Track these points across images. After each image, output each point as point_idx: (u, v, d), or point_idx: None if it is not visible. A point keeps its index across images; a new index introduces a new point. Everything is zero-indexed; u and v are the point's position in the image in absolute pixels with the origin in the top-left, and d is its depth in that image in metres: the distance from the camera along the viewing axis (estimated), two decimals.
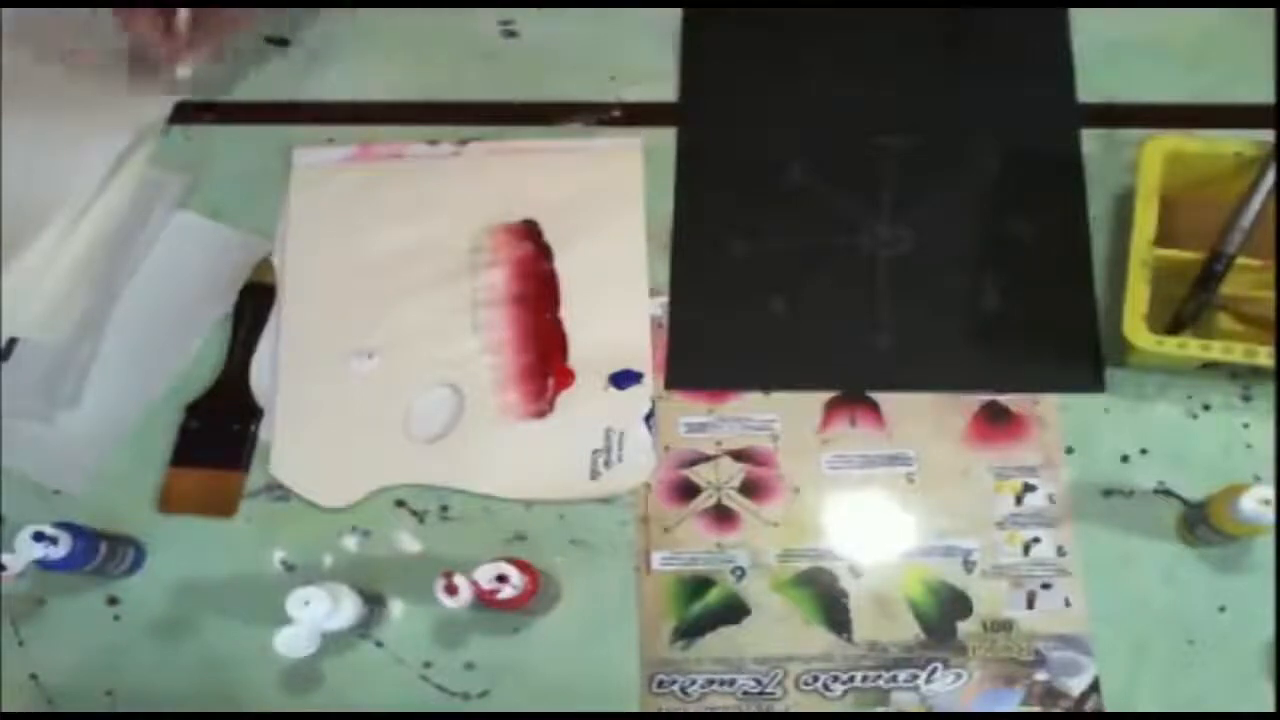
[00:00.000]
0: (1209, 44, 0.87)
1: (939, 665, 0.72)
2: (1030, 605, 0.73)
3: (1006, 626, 0.73)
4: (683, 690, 0.73)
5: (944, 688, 0.72)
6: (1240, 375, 0.77)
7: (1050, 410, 0.77)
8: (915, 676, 0.72)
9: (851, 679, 0.72)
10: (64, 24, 0.90)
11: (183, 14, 0.83)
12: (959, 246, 0.82)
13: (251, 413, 0.80)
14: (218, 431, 0.79)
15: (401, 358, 0.81)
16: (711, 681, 0.73)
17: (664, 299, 0.82)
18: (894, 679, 0.72)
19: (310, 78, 0.90)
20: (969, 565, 0.74)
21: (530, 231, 0.84)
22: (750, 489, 0.77)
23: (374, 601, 0.74)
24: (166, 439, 0.79)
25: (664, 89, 0.88)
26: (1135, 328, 0.72)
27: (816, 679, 0.73)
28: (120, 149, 0.85)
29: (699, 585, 0.75)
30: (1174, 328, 0.75)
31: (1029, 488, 0.76)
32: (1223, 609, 0.72)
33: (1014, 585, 0.74)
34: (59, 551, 0.69)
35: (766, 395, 0.79)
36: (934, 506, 0.76)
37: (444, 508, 0.77)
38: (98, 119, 0.86)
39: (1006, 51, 0.88)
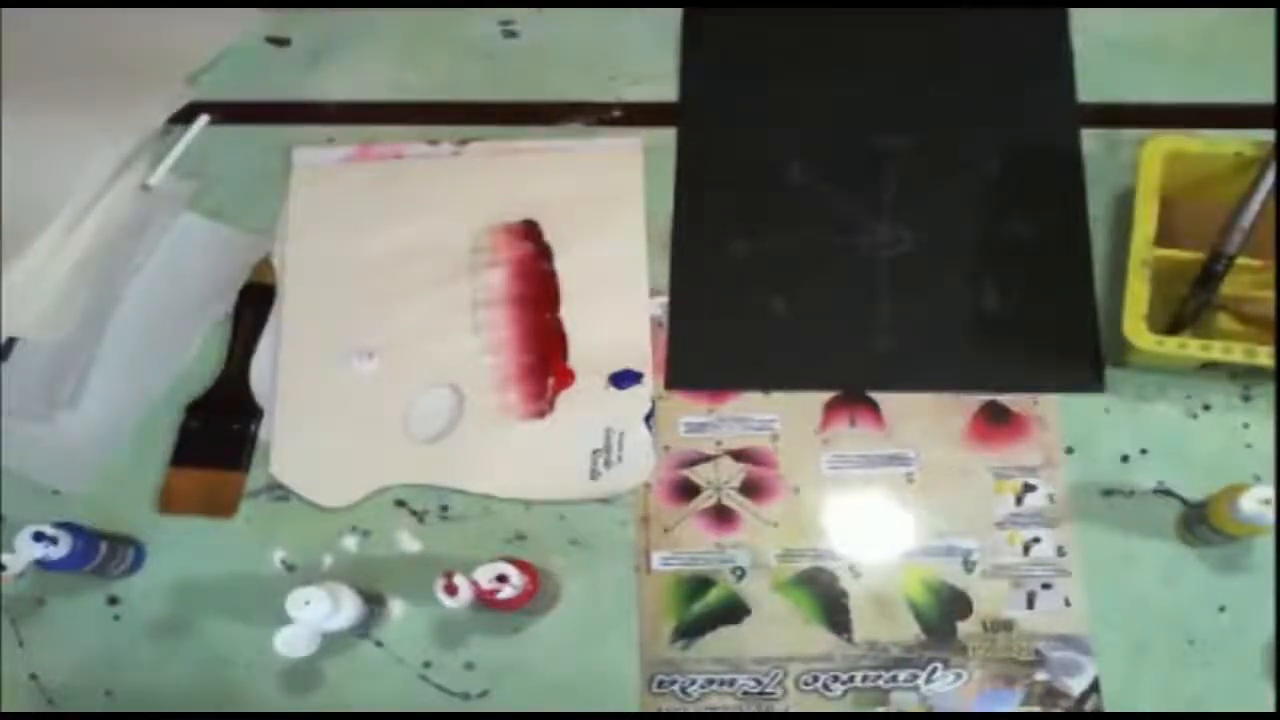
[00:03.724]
0: (1209, 44, 0.87)
1: (939, 665, 0.72)
2: (1030, 605, 0.73)
3: (1006, 626, 0.73)
4: (683, 690, 0.73)
5: (944, 688, 0.72)
6: (1240, 375, 0.77)
7: (1050, 410, 0.77)
8: (915, 676, 0.72)
9: (851, 679, 0.72)
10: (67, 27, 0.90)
11: None
12: (959, 246, 0.82)
13: (251, 413, 0.80)
14: (218, 431, 0.79)
15: (401, 358, 0.81)
16: (711, 681, 0.73)
17: (664, 299, 0.82)
18: (894, 679, 0.72)
19: (310, 78, 0.90)
20: (969, 565, 0.74)
21: (530, 231, 0.84)
22: (750, 489, 0.77)
23: (374, 601, 0.74)
24: (166, 439, 0.79)
25: (664, 89, 0.88)
26: (1135, 328, 0.71)
27: (816, 679, 0.73)
28: (124, 152, 0.85)
29: (699, 585, 0.75)
30: (1174, 328, 0.75)
31: (1029, 488, 0.76)
32: (1223, 609, 0.72)
33: (1014, 585, 0.74)
34: (59, 551, 0.69)
35: (766, 395, 0.79)
36: (934, 506, 0.76)
37: (444, 508, 0.77)
38: (101, 121, 0.85)
39: (1006, 51, 0.88)
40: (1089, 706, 0.71)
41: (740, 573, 0.75)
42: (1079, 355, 0.78)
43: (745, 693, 0.73)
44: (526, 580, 0.68)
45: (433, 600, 0.67)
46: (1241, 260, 0.74)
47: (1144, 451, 0.76)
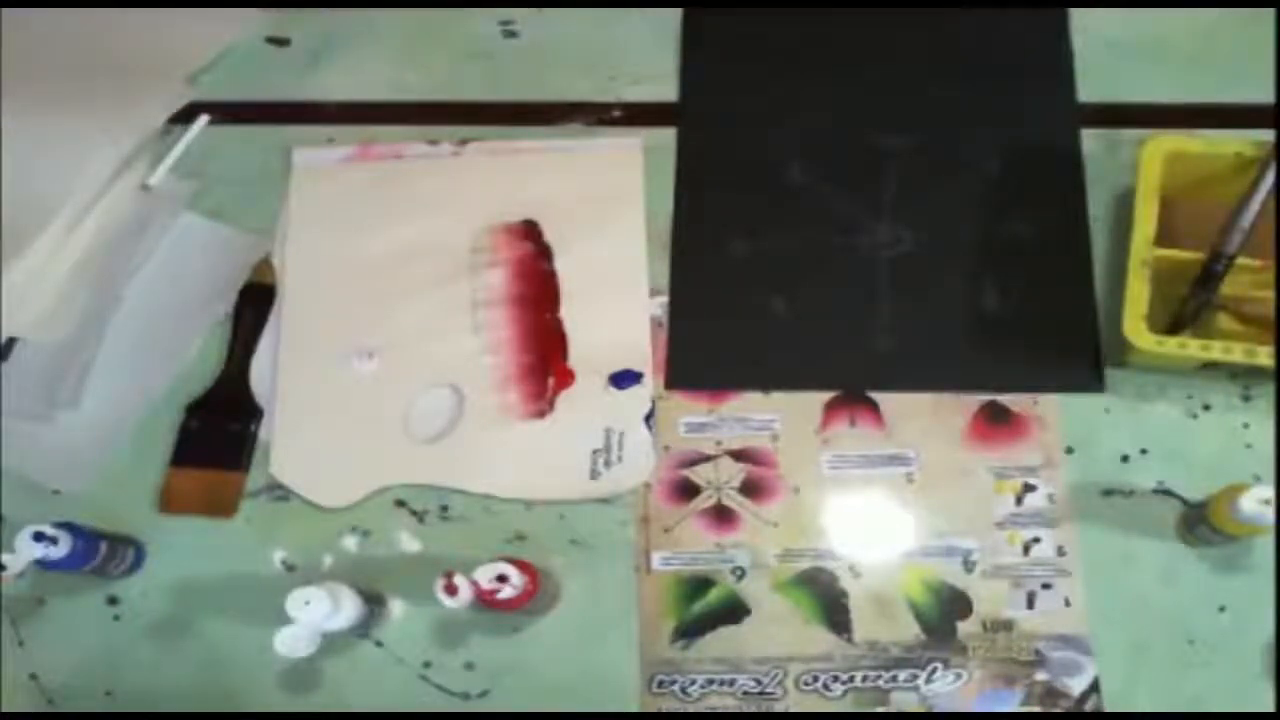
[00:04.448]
0: (1209, 44, 0.87)
1: (939, 665, 0.72)
2: (1030, 605, 0.73)
3: (1006, 626, 0.73)
4: (683, 690, 0.73)
5: (944, 688, 0.72)
6: (1240, 375, 0.77)
7: (1050, 410, 0.77)
8: (915, 676, 0.72)
9: (851, 679, 0.72)
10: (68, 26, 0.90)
11: None
12: (959, 246, 0.82)
13: (251, 413, 0.80)
14: (218, 431, 0.79)
15: (401, 358, 0.81)
16: (711, 681, 0.73)
17: (664, 299, 0.82)
18: (894, 679, 0.72)
19: (310, 78, 0.90)
20: (969, 565, 0.74)
21: (530, 231, 0.84)
22: (750, 489, 0.77)
23: (374, 601, 0.74)
24: (166, 439, 0.79)
25: (664, 89, 0.88)
26: (1135, 328, 0.71)
27: (816, 679, 0.73)
28: (124, 152, 0.85)
29: (699, 585, 0.75)
30: (1174, 328, 0.75)
31: (1029, 488, 0.76)
32: (1223, 609, 0.72)
33: (1014, 585, 0.74)
34: (59, 551, 0.69)
35: (766, 395, 0.79)
36: (934, 506, 0.76)
37: (444, 508, 0.77)
38: (101, 120, 0.86)
39: (1006, 51, 0.88)
40: (1089, 706, 0.71)
41: (740, 573, 0.75)
42: (1079, 355, 0.78)
43: (745, 693, 0.73)
44: (526, 580, 0.68)
45: (433, 600, 0.67)
46: (1241, 260, 0.74)
47: (1144, 451, 0.76)
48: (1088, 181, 0.83)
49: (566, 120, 0.88)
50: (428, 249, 0.84)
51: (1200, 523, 0.71)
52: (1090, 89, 0.86)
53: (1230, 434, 0.76)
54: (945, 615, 0.73)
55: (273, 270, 0.84)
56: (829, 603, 0.74)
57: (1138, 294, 0.72)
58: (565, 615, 0.75)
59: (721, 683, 0.73)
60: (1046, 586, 0.74)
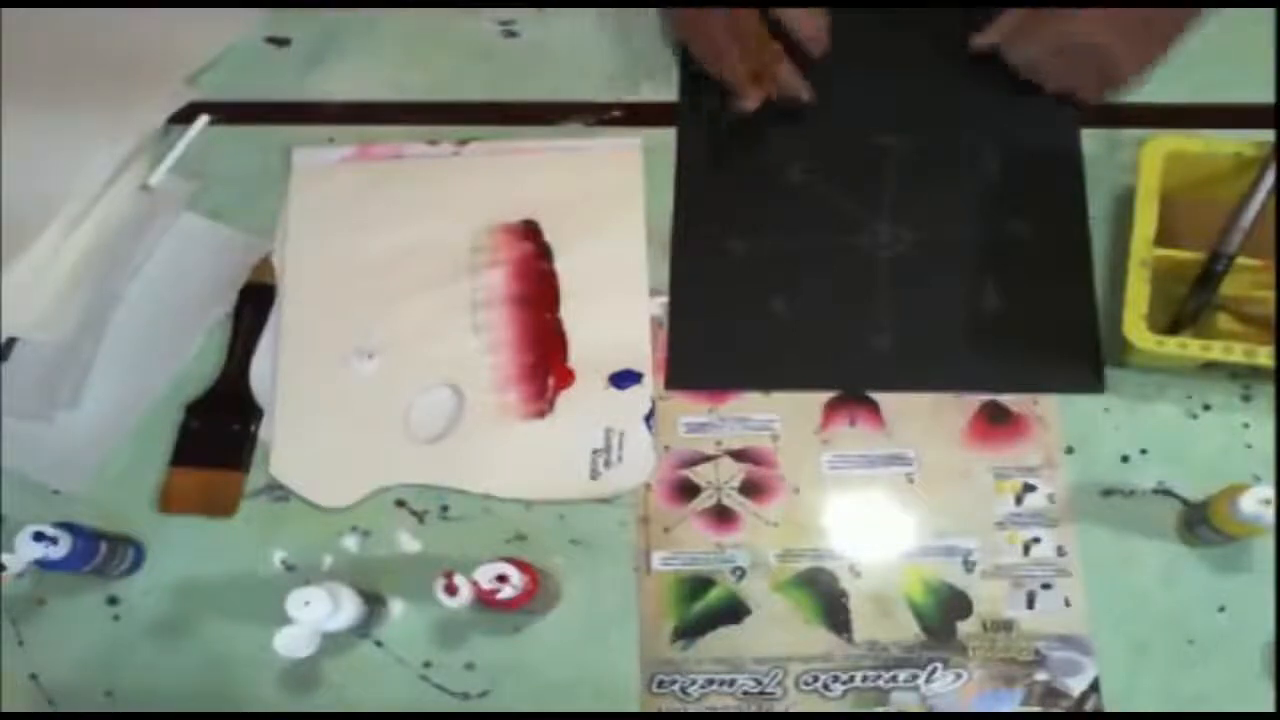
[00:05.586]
0: (1209, 44, 0.86)
1: (939, 665, 0.72)
2: (1030, 605, 0.73)
3: (1006, 626, 0.73)
4: (683, 690, 0.73)
5: (944, 688, 0.72)
6: (1240, 375, 0.77)
7: (1050, 410, 0.77)
8: (915, 676, 0.72)
9: (851, 679, 0.72)
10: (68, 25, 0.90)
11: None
12: (959, 246, 0.82)
13: (251, 413, 0.80)
14: (218, 431, 0.79)
15: (401, 358, 0.81)
16: (711, 681, 0.73)
17: (664, 299, 0.82)
18: (894, 679, 0.72)
19: (310, 78, 0.90)
20: (969, 565, 0.74)
21: (530, 231, 0.84)
22: (750, 489, 0.77)
23: (374, 601, 0.74)
24: (166, 439, 0.79)
25: (664, 89, 0.88)
26: (1135, 328, 0.71)
27: (816, 679, 0.73)
28: (124, 152, 0.85)
29: (699, 585, 0.75)
30: (1174, 328, 0.75)
31: (1029, 488, 0.76)
32: (1223, 609, 0.72)
33: (1014, 585, 0.74)
34: (59, 551, 0.69)
35: (766, 395, 0.79)
36: (934, 506, 0.76)
37: (444, 508, 0.77)
38: (101, 121, 0.86)
39: None
40: (1089, 706, 0.71)
41: (740, 573, 0.75)
42: (1079, 355, 0.78)
43: (745, 693, 0.73)
44: (526, 580, 0.68)
45: (433, 600, 0.67)
46: (1241, 260, 0.74)
47: (1144, 451, 0.76)
48: (1088, 181, 0.83)
49: (566, 120, 0.88)
50: (428, 249, 0.84)
51: (1200, 523, 0.71)
52: None
53: (1230, 434, 0.76)
54: (945, 615, 0.73)
55: (273, 270, 0.84)
56: (829, 603, 0.74)
57: (1138, 294, 0.72)
58: (565, 615, 0.75)
59: (721, 683, 0.73)
60: (1046, 586, 0.74)
